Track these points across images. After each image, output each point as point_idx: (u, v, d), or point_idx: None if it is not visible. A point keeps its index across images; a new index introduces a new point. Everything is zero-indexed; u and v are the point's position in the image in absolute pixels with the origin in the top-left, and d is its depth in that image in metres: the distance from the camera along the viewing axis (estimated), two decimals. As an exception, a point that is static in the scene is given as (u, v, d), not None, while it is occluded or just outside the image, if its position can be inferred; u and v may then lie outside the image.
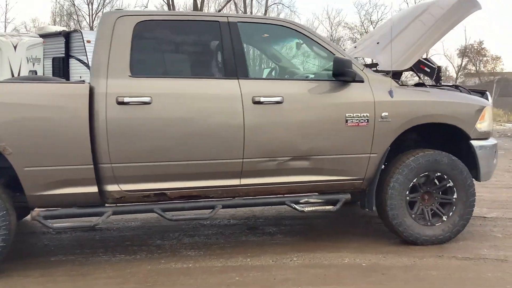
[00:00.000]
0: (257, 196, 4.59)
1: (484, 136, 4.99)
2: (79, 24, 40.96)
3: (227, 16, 4.53)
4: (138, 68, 4.24)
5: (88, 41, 14.46)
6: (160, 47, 4.49)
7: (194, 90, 4.30)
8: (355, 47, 6.27)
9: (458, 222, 4.85)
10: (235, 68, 4.39)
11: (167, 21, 4.44)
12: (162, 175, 4.24)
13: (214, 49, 4.51)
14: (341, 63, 4.40)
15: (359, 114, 4.58)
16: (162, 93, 4.21)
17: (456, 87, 5.55)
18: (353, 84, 4.62)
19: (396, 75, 5.00)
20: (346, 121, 4.55)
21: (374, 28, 43.89)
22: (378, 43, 5.45)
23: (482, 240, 4.99)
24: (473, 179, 4.98)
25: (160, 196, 4.31)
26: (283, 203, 4.58)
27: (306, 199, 4.63)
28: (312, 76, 4.85)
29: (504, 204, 6.60)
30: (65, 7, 42.04)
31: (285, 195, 4.63)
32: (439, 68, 15.36)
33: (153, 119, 4.16)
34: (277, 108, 4.42)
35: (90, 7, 40.88)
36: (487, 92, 5.46)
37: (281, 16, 42.23)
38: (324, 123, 4.53)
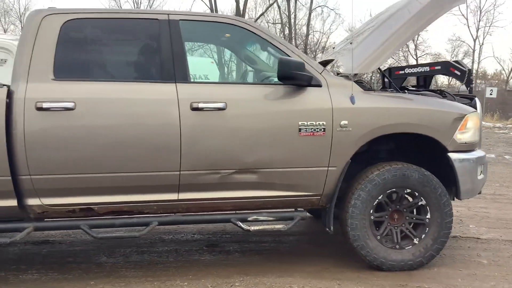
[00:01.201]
0: (200, 212, 4.15)
1: (466, 148, 4.37)
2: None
3: (168, 14, 4.10)
4: (63, 71, 3.86)
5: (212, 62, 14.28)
6: (90, 47, 4.09)
7: (125, 95, 3.89)
8: (333, 48, 5.73)
9: (432, 246, 4.25)
10: (173, 71, 3.96)
11: (99, 19, 4.06)
12: (88, 188, 3.85)
13: (151, 50, 4.08)
14: (288, 65, 3.90)
15: (314, 123, 4.06)
16: (88, 98, 3.82)
17: (441, 92, 4.94)
18: (309, 89, 4.11)
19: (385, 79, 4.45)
20: (299, 130, 4.04)
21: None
22: (351, 43, 4.90)
23: (462, 267, 4.38)
24: (456, 197, 4.40)
25: (87, 211, 3.92)
26: (228, 221, 4.11)
27: (255, 217, 4.13)
28: (265, 79, 4.37)
29: (509, 223, 5.90)
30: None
31: (231, 212, 4.17)
32: (469, 71, 14.47)
33: (76, 127, 3.77)
34: (219, 115, 3.95)
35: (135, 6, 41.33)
36: (476, 98, 4.83)
37: (329, 19, 41.56)
38: (274, 133, 4.03)
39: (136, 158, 3.87)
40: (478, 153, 4.49)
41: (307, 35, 39.88)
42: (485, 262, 4.50)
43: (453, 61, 16.36)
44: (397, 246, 4.26)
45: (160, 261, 4.58)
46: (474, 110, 4.50)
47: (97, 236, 3.91)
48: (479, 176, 4.46)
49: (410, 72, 17.31)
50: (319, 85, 4.14)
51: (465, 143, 4.34)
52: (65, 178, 3.80)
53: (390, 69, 18.00)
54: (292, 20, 38.61)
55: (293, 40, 38.99)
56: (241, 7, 35.48)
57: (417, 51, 43.65)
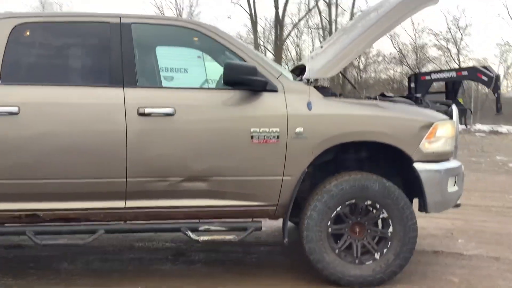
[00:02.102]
0: (149, 221, 4.03)
1: (436, 157, 4.10)
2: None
3: (120, 17, 4.02)
4: (10, 75, 3.83)
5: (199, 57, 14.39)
6: (40, 51, 4.05)
7: (71, 100, 3.83)
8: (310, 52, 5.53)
9: (393, 261, 4.00)
10: (122, 75, 3.87)
11: (50, 23, 4.02)
12: (33, 194, 3.80)
13: (101, 54, 3.99)
14: (234, 69, 3.74)
15: (267, 130, 3.89)
16: (33, 102, 3.77)
17: (416, 99, 4.67)
18: (265, 94, 3.95)
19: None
20: (252, 137, 3.88)
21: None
22: (321, 47, 4.70)
23: (427, 285, 4.10)
24: (424, 210, 4.15)
25: (33, 217, 3.87)
26: (178, 230, 3.98)
27: (207, 227, 3.99)
28: (219, 84, 4.22)
29: (503, 238, 5.53)
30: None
31: (183, 221, 4.04)
32: (497, 76, 13.98)
33: (21, 131, 3.73)
34: (167, 121, 3.84)
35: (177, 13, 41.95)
36: (453, 106, 4.53)
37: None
38: (225, 140, 3.89)
39: (81, 164, 3.80)
40: (450, 163, 4.21)
41: None
42: (455, 281, 4.20)
43: (481, 66, 15.82)
44: (357, 261, 4.03)
45: (118, 269, 4.50)
46: (445, 118, 4.23)
47: (41, 243, 3.85)
48: (451, 188, 4.18)
49: (436, 77, 16.84)
50: (275, 91, 3.97)
51: (435, 152, 4.07)
52: (10, 184, 3.76)
53: (416, 75, 17.60)
54: (333, 25, 38.29)
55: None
56: (280, 13, 35.55)
57: (460, 56, 42.43)
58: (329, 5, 38.03)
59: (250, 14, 36.65)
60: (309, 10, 38.37)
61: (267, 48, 39.40)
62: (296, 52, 42.16)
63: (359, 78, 41.44)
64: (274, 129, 3.89)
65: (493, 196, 8.20)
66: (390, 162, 4.28)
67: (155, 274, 4.35)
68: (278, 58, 37.47)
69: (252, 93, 3.93)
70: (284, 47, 39.79)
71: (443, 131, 4.15)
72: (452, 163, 4.25)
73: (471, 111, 17.13)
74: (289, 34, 39.72)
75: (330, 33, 37.82)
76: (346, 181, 3.98)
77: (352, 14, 38.11)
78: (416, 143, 4.01)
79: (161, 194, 3.90)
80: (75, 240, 3.97)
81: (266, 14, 55.21)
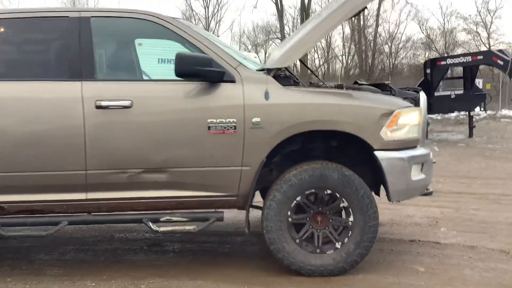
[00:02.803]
0: (112, 212, 4.10)
1: (398, 145, 4.03)
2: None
3: (80, 11, 4.08)
4: (-26, 72, 3.94)
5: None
6: (1, 47, 4.13)
7: (29, 94, 3.91)
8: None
9: (354, 251, 3.97)
10: (80, 69, 3.93)
11: (12, 19, 4.10)
12: (-3, 187, 3.91)
13: (60, 49, 4.06)
14: (186, 60, 3.75)
15: (223, 120, 3.90)
16: (-5, 97, 3.87)
17: (384, 86, 4.59)
18: (223, 85, 3.95)
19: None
20: (209, 128, 3.89)
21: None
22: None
23: (391, 275, 4.04)
24: (388, 198, 4.09)
25: (-3, 210, 3.98)
26: (140, 221, 4.03)
27: (168, 217, 4.03)
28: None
29: (488, 228, 5.39)
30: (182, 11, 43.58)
31: (144, 212, 4.09)
32: (514, 60, 13.32)
33: (-20, 127, 3.84)
34: (124, 113, 3.89)
35: (206, 10, 42.13)
36: (421, 93, 4.44)
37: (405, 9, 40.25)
38: (182, 131, 3.91)
39: (42, 157, 3.88)
40: (415, 151, 4.14)
41: (377, 25, 39.00)
42: (421, 270, 4.13)
43: (497, 50, 15.41)
44: (318, 250, 4.01)
45: (90, 260, 4.59)
46: (408, 105, 4.15)
47: (6, 235, 3.95)
48: (416, 176, 4.11)
49: (452, 62, 16.48)
50: (233, 81, 3.96)
51: (395, 140, 4.01)
52: (-27, 177, 3.88)
53: (432, 60, 17.23)
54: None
55: (362, 32, 38.18)
56: (306, 1, 35.24)
57: (490, 39, 41.37)
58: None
59: (276, 3, 36.46)
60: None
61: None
62: (326, 40, 41.85)
63: (390, 65, 40.89)
64: (231, 120, 3.90)
65: (495, 184, 8.02)
66: (357, 150, 4.23)
67: (124, 264, 4.43)
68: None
69: (209, 84, 3.94)
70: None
71: (407, 119, 4.07)
72: (418, 151, 4.17)
73: (491, 97, 16.67)
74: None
75: (358, 20, 37.50)
76: (305, 171, 3.95)
77: (380, 0, 37.69)
78: (376, 131, 3.95)
79: (121, 186, 3.96)
80: (38, 232, 4.06)
81: (294, 2, 54.31)
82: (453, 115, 20.65)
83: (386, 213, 5.94)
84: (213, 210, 4.12)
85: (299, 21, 38.13)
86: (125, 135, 3.89)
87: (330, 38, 41.49)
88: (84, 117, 3.86)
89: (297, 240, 4.00)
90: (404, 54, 42.52)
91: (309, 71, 35.10)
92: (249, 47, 42.29)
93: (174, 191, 4.00)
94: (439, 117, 21.47)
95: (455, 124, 19.60)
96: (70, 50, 3.96)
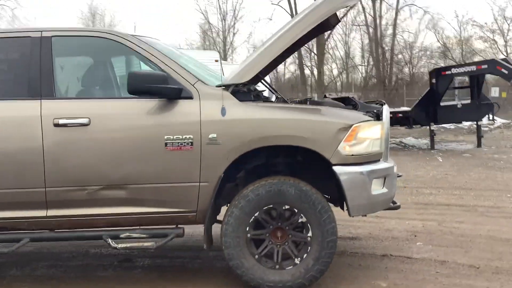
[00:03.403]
0: (73, 228, 4.14)
1: (358, 160, 4.00)
2: (214, 40, 42.74)
3: (41, 31, 4.15)
4: None
5: (216, 61, 14.69)
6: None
7: (-8, 113, 3.98)
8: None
9: (313, 267, 3.93)
10: (39, 87, 4.00)
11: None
12: (-40, 205, 3.97)
13: (21, 68, 4.13)
14: (138, 78, 3.78)
15: (180, 137, 3.92)
16: (-45, 117, 3.95)
17: (349, 100, 4.57)
18: (180, 101, 3.98)
19: None
20: (166, 144, 3.91)
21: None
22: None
23: (352, 290, 4.01)
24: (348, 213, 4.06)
25: (-38, 227, 4.05)
26: (100, 238, 4.06)
27: (128, 234, 4.05)
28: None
29: (466, 242, 5.27)
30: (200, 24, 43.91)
31: (104, 229, 4.11)
32: (517, 69, 13.18)
33: None
34: (82, 131, 3.93)
35: (223, 23, 42.50)
36: (384, 106, 4.40)
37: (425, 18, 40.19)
38: (140, 148, 3.94)
39: (2, 174, 3.93)
40: (376, 165, 4.10)
41: (394, 35, 38.89)
42: (383, 286, 4.08)
43: (501, 59, 15.21)
44: (277, 266, 3.98)
45: (59, 276, 4.63)
46: (368, 119, 4.11)
47: (-30, 252, 4.01)
48: (376, 190, 4.07)
49: (457, 72, 16.30)
50: (190, 97, 3.99)
51: (353, 155, 3.97)
52: None
53: (437, 70, 17.09)
54: (377, 21, 37.75)
55: (378, 41, 38.05)
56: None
57: (507, 47, 40.82)
58: (373, 1, 37.42)
59: (291, 15, 36.61)
60: (350, 8, 37.91)
61: (309, 48, 39.27)
62: (345, 50, 41.79)
63: (410, 73, 40.58)
64: (187, 136, 3.92)
65: (489, 196, 7.88)
66: (320, 166, 4.20)
67: (91, 279, 4.46)
68: (320, 57, 37.32)
69: (167, 101, 3.97)
70: (329, 45, 39.53)
71: (367, 133, 4.04)
72: (379, 165, 4.13)
73: (499, 106, 16.40)
74: (330, 33, 39.41)
75: (375, 29, 37.40)
76: (262, 186, 3.95)
77: (397, 9, 37.60)
78: (333, 146, 3.93)
79: (81, 203, 3.99)
80: (3, 249, 4.10)
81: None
82: (467, 124, 20.37)
83: (367, 227, 5.90)
84: (173, 226, 4.12)
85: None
86: (83, 152, 3.94)
87: (349, 48, 41.51)
88: (43, 135, 3.91)
89: (256, 256, 3.98)
90: (421, 63, 42.22)
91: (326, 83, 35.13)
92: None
93: (134, 208, 4.02)
94: (452, 127, 21.26)
95: (467, 134, 19.37)
96: (30, 69, 4.03)
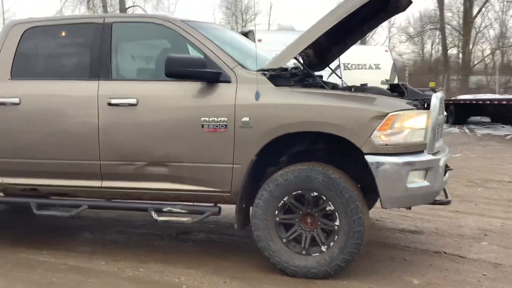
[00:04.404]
0: (123, 200, 4.52)
1: (394, 150, 3.83)
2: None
3: (104, 17, 4.54)
4: (18, 71, 4.61)
5: (259, 40, 15.04)
6: (41, 51, 4.74)
7: (61, 92, 4.47)
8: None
9: (338, 256, 3.88)
10: (98, 69, 4.39)
11: (50, 26, 4.70)
12: (32, 171, 4.54)
13: (86, 51, 4.54)
14: (176, 62, 3.97)
15: (215, 119, 4.07)
16: (31, 94, 4.51)
17: (397, 86, 4.35)
18: (220, 85, 4.14)
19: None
20: (202, 126, 4.10)
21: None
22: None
23: (378, 283, 3.87)
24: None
25: (34, 191, 4.63)
26: (145, 210, 4.38)
27: (170, 208, 4.33)
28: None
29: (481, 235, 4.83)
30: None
31: (151, 202, 4.43)
32: None
33: (20, 118, 4.49)
34: (131, 110, 4.27)
35: None
36: (434, 95, 4.10)
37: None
38: (179, 128, 4.18)
39: (63, 147, 4.43)
40: (415, 157, 3.89)
41: None
42: (415, 283, 3.88)
43: None
44: (304, 252, 3.99)
45: (121, 242, 5.06)
46: (410, 107, 3.90)
47: (37, 213, 4.57)
48: (414, 183, 3.87)
49: None
50: (228, 81, 4.11)
51: (388, 145, 3.82)
52: (13, 162, 4.56)
53: None
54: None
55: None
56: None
57: None
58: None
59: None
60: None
61: (450, 25, 36.88)
62: (501, 30, 38.66)
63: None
64: (222, 119, 4.06)
65: None
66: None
67: (144, 247, 4.83)
68: (466, 36, 35.02)
69: (207, 84, 4.14)
70: (482, 24, 36.87)
71: (406, 122, 3.85)
72: (420, 156, 3.91)
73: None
74: (480, 9, 36.70)
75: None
76: (291, 172, 3.96)
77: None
78: (366, 135, 3.80)
79: (129, 177, 4.35)
80: (64, 212, 4.60)
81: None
82: None
83: (437, 221, 5.60)
84: (211, 204, 4.31)
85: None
86: (131, 130, 4.27)
87: (506, 26, 38.27)
88: (99, 113, 4.31)
89: (284, 240, 4.02)
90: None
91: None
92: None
93: (175, 184, 4.28)
94: None
95: None
96: (92, 52, 4.45)
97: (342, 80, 5.36)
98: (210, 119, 4.08)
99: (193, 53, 4.34)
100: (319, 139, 4.19)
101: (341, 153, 4.20)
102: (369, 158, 3.82)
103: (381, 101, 3.97)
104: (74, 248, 4.83)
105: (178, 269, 4.23)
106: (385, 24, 40.34)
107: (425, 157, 3.94)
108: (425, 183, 3.94)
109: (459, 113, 19.26)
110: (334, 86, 4.49)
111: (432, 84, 24.52)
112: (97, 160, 4.37)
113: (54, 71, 4.66)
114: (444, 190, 4.41)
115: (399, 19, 44.46)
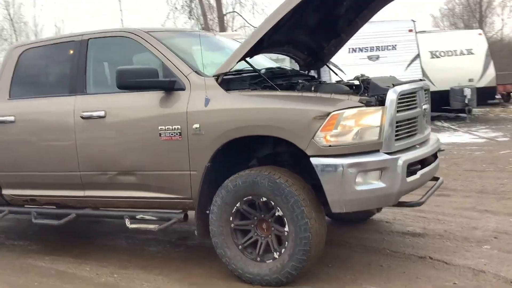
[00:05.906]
0: (105, 207, 4.73)
1: (341, 151, 3.62)
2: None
3: (82, 35, 4.77)
4: (15, 91, 5.01)
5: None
6: (32, 71, 5.07)
7: (46, 108, 4.78)
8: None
9: (288, 263, 3.74)
10: (75, 85, 4.64)
11: (40, 47, 5.04)
12: (29, 183, 4.91)
13: (67, 68, 4.76)
14: (126, 74, 4.06)
15: (170, 127, 4.13)
16: (23, 112, 4.88)
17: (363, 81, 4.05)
18: (176, 93, 4.18)
19: None
20: (160, 134, 4.17)
21: None
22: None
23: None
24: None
25: (33, 201, 5.00)
26: (121, 217, 4.54)
27: (142, 215, 4.45)
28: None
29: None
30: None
31: (127, 209, 4.58)
32: None
33: (15, 135, 4.88)
34: (100, 122, 4.46)
35: None
36: (390, 90, 3.75)
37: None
38: (140, 138, 4.30)
39: (52, 159, 4.73)
40: (365, 157, 3.63)
41: None
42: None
43: None
44: (258, 259, 3.90)
45: (126, 247, 5.29)
46: (357, 105, 3.65)
47: (33, 221, 4.92)
48: (363, 185, 3.62)
49: None
50: (183, 89, 4.14)
51: (333, 146, 3.61)
52: (11, 175, 4.97)
53: None
54: None
55: None
56: None
57: None
58: None
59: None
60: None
61: None
62: None
63: None
64: (176, 126, 4.09)
65: None
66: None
67: (142, 254, 4.97)
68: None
69: (166, 93, 4.20)
70: None
71: (354, 121, 3.62)
72: (374, 156, 3.65)
73: None
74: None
75: None
76: (240, 177, 3.89)
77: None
78: (308, 136, 3.63)
79: (106, 186, 4.54)
80: (51, 221, 4.89)
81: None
82: None
83: (451, 223, 5.19)
84: (179, 211, 4.36)
85: None
86: (101, 141, 4.48)
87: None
88: (75, 126, 4.56)
89: (240, 246, 3.96)
90: None
91: None
92: None
93: (143, 192, 4.40)
94: None
95: None
96: (72, 68, 4.70)
97: (339, 76, 5.13)
98: (166, 127, 4.13)
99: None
100: (281, 142, 4.06)
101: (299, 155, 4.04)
102: (314, 161, 3.64)
103: (326, 100, 3.76)
104: (75, 254, 5.11)
105: (150, 275, 4.33)
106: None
107: (379, 157, 3.67)
108: (380, 184, 3.66)
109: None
110: (316, 86, 4.22)
111: None
112: (77, 171, 4.61)
113: (43, 89, 5.00)
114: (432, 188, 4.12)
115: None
